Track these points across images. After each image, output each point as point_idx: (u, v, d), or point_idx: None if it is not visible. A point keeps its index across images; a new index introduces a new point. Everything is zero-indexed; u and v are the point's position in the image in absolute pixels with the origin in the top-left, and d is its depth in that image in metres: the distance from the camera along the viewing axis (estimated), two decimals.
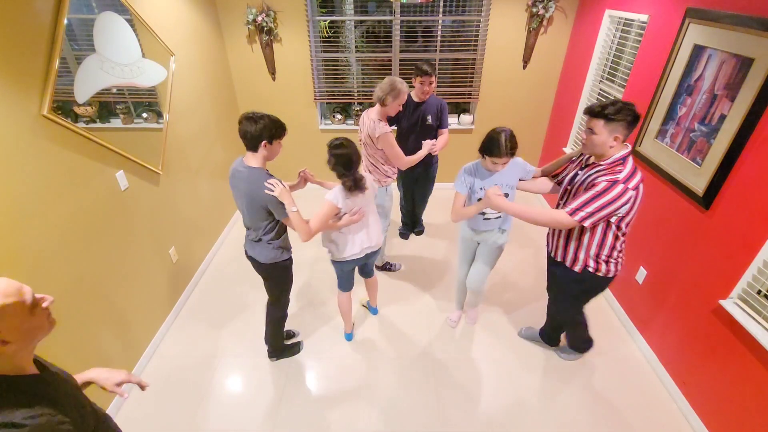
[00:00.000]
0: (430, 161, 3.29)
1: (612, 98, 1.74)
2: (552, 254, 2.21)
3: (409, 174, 3.31)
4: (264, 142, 1.93)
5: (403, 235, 3.92)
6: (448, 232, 3.96)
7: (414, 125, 3.10)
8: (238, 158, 2.05)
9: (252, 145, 1.95)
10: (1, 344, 0.88)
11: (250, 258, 2.22)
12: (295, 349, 2.70)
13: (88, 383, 1.22)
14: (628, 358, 2.66)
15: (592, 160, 1.97)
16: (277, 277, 2.30)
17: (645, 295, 2.67)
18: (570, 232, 2.05)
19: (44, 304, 0.97)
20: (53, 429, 0.90)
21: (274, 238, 2.13)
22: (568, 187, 2.05)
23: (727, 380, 2.04)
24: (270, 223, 2.09)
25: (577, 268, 2.08)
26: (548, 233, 2.26)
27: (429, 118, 3.10)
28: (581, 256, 2.04)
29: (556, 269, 2.24)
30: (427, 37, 4.05)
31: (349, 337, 2.80)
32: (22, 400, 0.90)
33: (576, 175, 2.02)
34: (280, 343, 2.63)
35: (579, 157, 2.11)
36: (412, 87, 3.02)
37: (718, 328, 2.08)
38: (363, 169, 2.90)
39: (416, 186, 3.55)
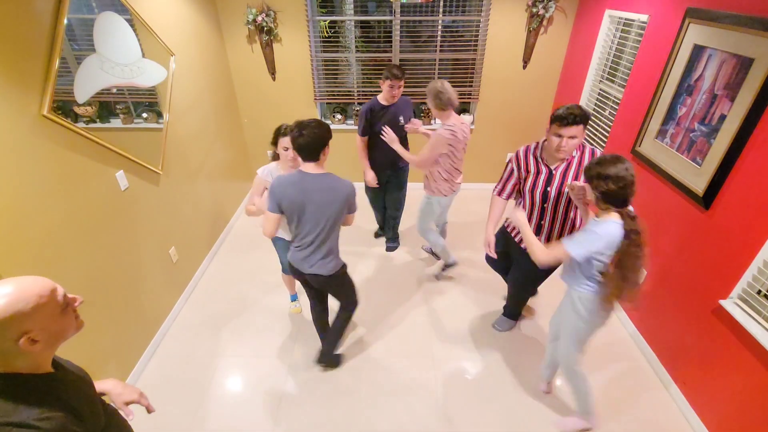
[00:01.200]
0: (397, 165, 3.24)
1: (567, 105, 2.00)
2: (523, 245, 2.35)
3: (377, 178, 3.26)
4: (325, 147, 1.87)
5: (379, 235, 3.90)
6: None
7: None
8: (292, 173, 1.93)
9: (313, 155, 1.86)
10: (30, 343, 0.89)
11: (310, 276, 2.12)
12: (340, 359, 2.61)
13: (101, 394, 1.22)
14: (627, 357, 2.66)
15: (552, 164, 2.13)
16: (342, 283, 2.25)
17: (645, 295, 2.67)
18: (574, 218, 2.23)
19: (75, 305, 0.99)
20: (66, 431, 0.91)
21: (337, 246, 2.09)
22: (549, 189, 2.15)
23: (727, 380, 2.04)
24: (338, 231, 2.05)
25: None
26: (539, 231, 2.33)
27: (401, 119, 3.08)
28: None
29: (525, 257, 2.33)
30: (427, 37, 4.04)
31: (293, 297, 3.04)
32: (34, 399, 0.90)
33: (551, 176, 2.13)
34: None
35: (519, 170, 2.26)
36: (379, 91, 3.05)
37: (718, 328, 2.08)
38: (441, 179, 2.86)
39: (386, 192, 3.43)
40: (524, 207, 2.30)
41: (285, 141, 2.22)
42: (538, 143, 2.20)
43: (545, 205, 2.20)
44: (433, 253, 3.62)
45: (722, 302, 2.01)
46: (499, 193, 2.39)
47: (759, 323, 1.86)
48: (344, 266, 2.20)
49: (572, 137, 1.95)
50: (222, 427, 2.26)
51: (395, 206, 3.51)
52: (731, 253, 2.01)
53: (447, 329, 2.88)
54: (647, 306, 2.65)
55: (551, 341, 2.26)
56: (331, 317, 2.50)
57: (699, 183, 2.20)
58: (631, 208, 1.69)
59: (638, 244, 1.64)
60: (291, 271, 2.19)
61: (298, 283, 3.00)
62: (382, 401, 2.39)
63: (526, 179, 2.23)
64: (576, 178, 2.09)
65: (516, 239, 2.46)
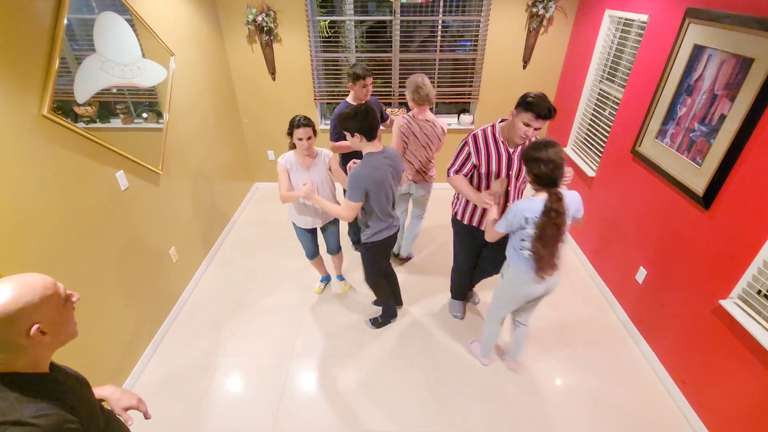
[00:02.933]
0: None
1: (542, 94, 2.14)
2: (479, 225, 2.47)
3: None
4: None
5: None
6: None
7: None
8: (366, 160, 2.12)
9: (376, 132, 2.11)
10: (41, 334, 0.92)
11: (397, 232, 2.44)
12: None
13: (100, 400, 1.22)
14: (628, 357, 2.66)
15: (511, 147, 2.22)
16: None
17: (645, 295, 2.67)
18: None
19: (74, 299, 1.02)
20: (61, 429, 0.91)
21: None
22: (510, 172, 2.25)
23: (727, 380, 2.04)
24: None
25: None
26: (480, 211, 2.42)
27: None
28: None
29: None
30: (428, 37, 4.04)
31: (325, 278, 3.25)
32: (31, 397, 0.91)
33: (510, 159, 2.22)
34: None
35: (477, 154, 2.24)
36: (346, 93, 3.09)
37: (718, 328, 2.08)
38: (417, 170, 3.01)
39: None
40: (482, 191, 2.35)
41: (299, 132, 2.35)
42: (494, 125, 2.23)
43: (508, 188, 2.28)
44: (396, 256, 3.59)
45: (722, 302, 2.01)
46: (457, 173, 2.31)
47: (759, 323, 1.86)
48: None
49: (538, 129, 2.05)
50: (222, 427, 2.26)
51: None
52: (731, 253, 2.01)
53: (446, 328, 2.88)
54: (647, 306, 2.65)
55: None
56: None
57: (699, 183, 2.20)
58: (562, 189, 1.84)
59: (555, 222, 1.80)
60: (390, 242, 2.43)
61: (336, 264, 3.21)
62: (382, 401, 2.39)
63: (488, 162, 2.23)
64: None
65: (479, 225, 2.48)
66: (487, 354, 2.57)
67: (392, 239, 2.44)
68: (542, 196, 1.82)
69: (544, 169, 1.75)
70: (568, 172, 1.97)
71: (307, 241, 2.83)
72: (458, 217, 2.51)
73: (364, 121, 2.03)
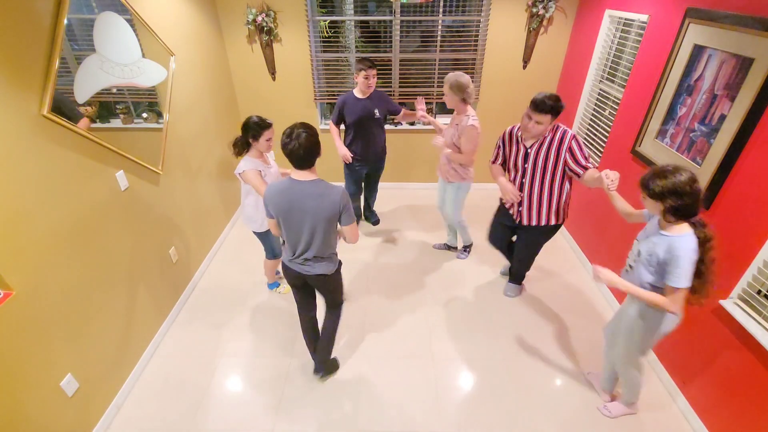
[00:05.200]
0: (380, 160, 3.59)
1: (546, 93, 2.25)
2: (524, 222, 2.66)
3: (359, 170, 3.56)
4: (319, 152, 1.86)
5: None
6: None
7: (361, 121, 3.24)
8: (282, 181, 1.90)
9: (311, 161, 1.84)
10: None
11: (315, 277, 2.10)
12: (337, 363, 2.60)
13: None
14: None
15: (528, 143, 2.44)
16: (338, 281, 2.25)
17: None
18: (551, 194, 2.51)
19: None
20: None
21: (335, 247, 2.10)
22: (526, 166, 2.48)
23: (727, 380, 2.04)
24: (335, 234, 2.04)
25: (553, 222, 2.62)
26: (520, 205, 2.64)
27: (376, 112, 3.25)
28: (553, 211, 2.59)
29: (528, 232, 2.73)
30: (427, 37, 4.05)
31: (271, 286, 3.22)
32: None
33: (527, 154, 2.45)
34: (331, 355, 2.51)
35: (504, 146, 2.61)
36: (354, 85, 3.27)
37: (718, 328, 2.08)
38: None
39: (366, 183, 3.81)
40: (509, 179, 2.64)
41: (270, 133, 2.45)
42: (519, 125, 2.46)
43: (523, 180, 2.53)
44: (448, 248, 3.75)
45: (722, 302, 2.01)
46: (494, 162, 2.71)
47: (759, 323, 1.86)
48: (341, 263, 2.22)
49: (538, 123, 2.24)
50: (222, 427, 2.26)
51: (373, 194, 3.96)
52: (731, 253, 2.01)
53: (446, 327, 2.88)
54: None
55: (608, 350, 2.22)
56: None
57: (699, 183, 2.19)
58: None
59: (713, 248, 1.64)
60: (288, 275, 2.17)
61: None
62: (382, 401, 2.39)
63: (509, 155, 2.58)
64: (547, 156, 2.39)
65: (513, 216, 2.72)
66: (637, 400, 2.26)
67: (292, 277, 2.14)
68: (679, 231, 1.64)
69: (688, 201, 1.55)
70: (615, 177, 1.95)
71: (273, 239, 2.78)
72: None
73: (288, 148, 1.79)
